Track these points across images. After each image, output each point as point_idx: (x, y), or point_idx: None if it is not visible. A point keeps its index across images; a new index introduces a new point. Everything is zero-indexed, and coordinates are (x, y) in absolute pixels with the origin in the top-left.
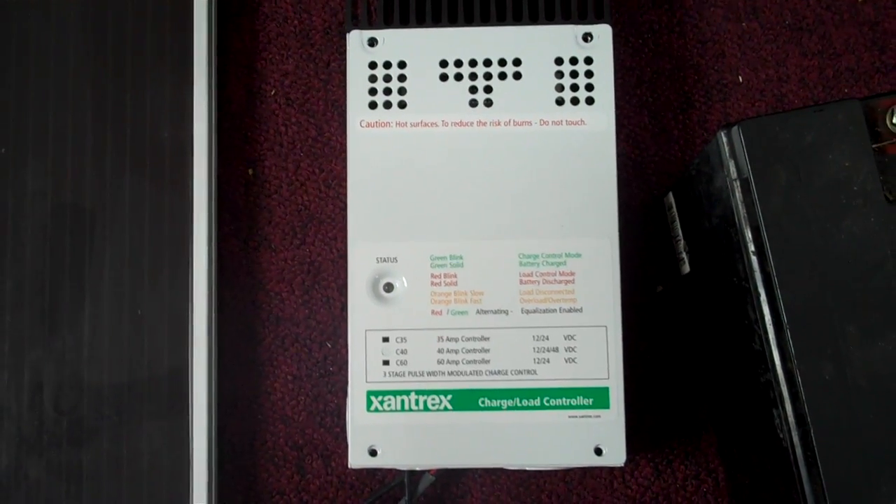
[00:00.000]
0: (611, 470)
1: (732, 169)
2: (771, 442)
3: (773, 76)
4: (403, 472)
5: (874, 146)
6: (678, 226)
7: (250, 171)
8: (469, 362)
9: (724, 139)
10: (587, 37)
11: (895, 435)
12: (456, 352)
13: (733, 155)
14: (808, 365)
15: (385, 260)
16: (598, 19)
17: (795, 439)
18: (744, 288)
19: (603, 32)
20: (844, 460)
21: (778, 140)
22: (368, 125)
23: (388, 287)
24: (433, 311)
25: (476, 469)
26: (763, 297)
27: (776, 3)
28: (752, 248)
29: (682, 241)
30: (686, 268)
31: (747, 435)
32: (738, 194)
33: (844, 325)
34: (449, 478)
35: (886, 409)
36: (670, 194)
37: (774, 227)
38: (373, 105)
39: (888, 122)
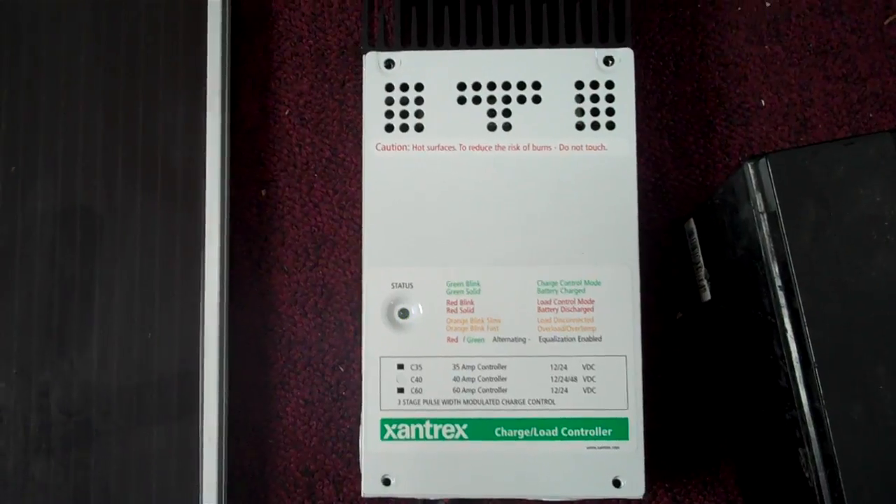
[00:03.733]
0: (628, 501)
1: (760, 202)
2: (796, 480)
3: (797, 100)
4: (417, 501)
5: None
6: (699, 253)
7: (263, 192)
8: (485, 391)
9: (752, 171)
10: (608, 60)
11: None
12: (472, 380)
13: (760, 188)
14: (836, 405)
15: (400, 286)
16: (619, 42)
17: (822, 480)
18: (770, 323)
19: (624, 56)
20: (873, 502)
21: (807, 173)
22: (384, 148)
23: (404, 313)
24: (449, 339)
25: (491, 499)
26: (790, 334)
27: (800, 27)
28: (779, 283)
29: (703, 269)
30: (707, 295)
31: (770, 470)
32: (766, 228)
33: (874, 364)
34: None
35: None
36: (691, 221)
37: (803, 262)
38: (389, 128)
39: None
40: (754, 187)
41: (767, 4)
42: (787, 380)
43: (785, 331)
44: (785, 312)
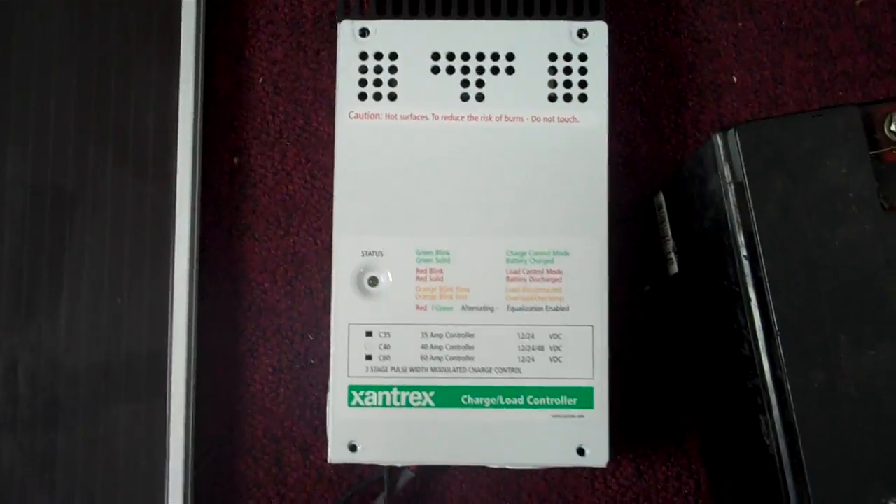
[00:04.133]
0: (592, 470)
1: (727, 172)
2: (757, 448)
3: (769, 77)
4: (383, 467)
5: (872, 153)
6: (668, 226)
7: (235, 160)
8: (453, 359)
9: (720, 142)
10: (582, 33)
11: (884, 445)
12: (440, 348)
13: (728, 158)
14: (797, 372)
15: (370, 254)
16: (593, 15)
17: (782, 446)
18: (734, 292)
19: (598, 29)
20: (832, 469)
21: (774, 144)
22: (357, 116)
23: (373, 281)
24: (418, 307)
25: (457, 466)
26: (754, 303)
27: (773, 4)
28: (744, 252)
29: (671, 242)
30: (675, 268)
31: (732, 439)
32: (733, 198)
33: (836, 333)
34: (429, 474)
35: (876, 418)
36: (660, 194)
37: (768, 232)
38: (362, 96)
39: (886, 129)
40: (722, 158)
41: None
42: (749, 348)
43: (749, 300)
44: (749, 281)
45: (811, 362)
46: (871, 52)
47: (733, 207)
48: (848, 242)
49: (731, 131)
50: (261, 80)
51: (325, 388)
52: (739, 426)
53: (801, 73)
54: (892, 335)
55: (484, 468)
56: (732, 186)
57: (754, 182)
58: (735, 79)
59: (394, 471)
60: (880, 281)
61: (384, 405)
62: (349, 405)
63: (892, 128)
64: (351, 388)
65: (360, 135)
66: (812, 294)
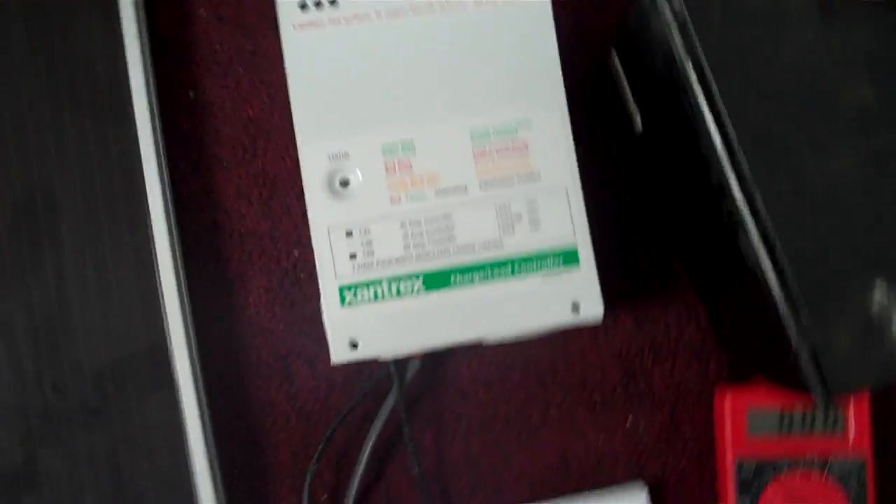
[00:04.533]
0: (593, 328)
1: (667, 11)
2: (741, 269)
3: None
4: (389, 363)
5: None
6: (626, 84)
7: (191, 94)
8: (435, 242)
9: None
10: None
11: (857, 235)
12: (421, 234)
13: None
14: (764, 183)
15: (337, 156)
16: None
17: (763, 257)
18: (694, 123)
19: None
20: (812, 267)
21: None
22: (301, 27)
23: (344, 182)
24: (392, 199)
25: (460, 348)
26: (713, 127)
27: None
28: (695, 80)
29: (631, 101)
30: (639, 126)
31: (718, 271)
32: (677, 35)
33: (795, 139)
34: (434, 362)
35: (846, 211)
36: (613, 53)
37: (715, 58)
38: (303, 6)
39: None
40: None
41: None
42: (717, 174)
43: (707, 128)
44: (705, 108)
45: (776, 171)
46: None
47: (679, 44)
48: (793, 51)
49: None
50: (203, 12)
51: (319, 298)
52: (722, 255)
53: None
54: (848, 132)
55: (488, 347)
56: (675, 24)
57: (694, 14)
58: None
59: (400, 364)
60: (829, 82)
61: (376, 299)
62: (343, 305)
63: None
64: (341, 288)
65: (306, 45)
66: (766, 108)
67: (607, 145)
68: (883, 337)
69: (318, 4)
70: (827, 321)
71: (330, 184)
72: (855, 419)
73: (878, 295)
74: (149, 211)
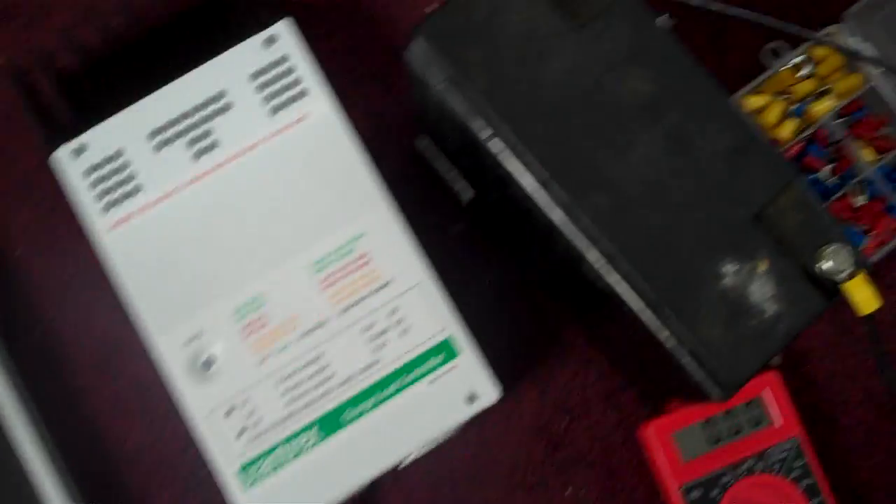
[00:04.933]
0: (501, 409)
1: (434, 76)
2: (604, 295)
3: None
4: None
5: None
6: (440, 161)
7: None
8: (316, 387)
9: (413, 54)
10: (271, 40)
11: (681, 216)
12: (299, 385)
13: (428, 63)
14: (584, 205)
15: (192, 339)
16: (274, 18)
17: (612, 278)
18: (504, 172)
19: (284, 28)
20: (659, 268)
21: (454, 28)
22: (114, 226)
23: (208, 362)
24: (260, 360)
25: (381, 479)
26: (518, 168)
27: None
28: (487, 131)
29: (450, 175)
30: (466, 197)
31: (593, 305)
32: (452, 94)
33: (595, 151)
34: (364, 499)
35: (665, 201)
36: (418, 138)
37: (494, 100)
38: (108, 206)
39: None
40: (423, 66)
41: None
42: (540, 214)
43: (514, 167)
44: (507, 154)
45: (589, 189)
46: None
47: (457, 102)
48: (562, 69)
49: (414, 40)
50: (18, 253)
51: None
52: (584, 288)
53: None
54: (639, 127)
55: (407, 468)
56: (446, 84)
57: (458, 69)
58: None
59: None
60: (604, 87)
61: (278, 468)
62: (247, 488)
63: None
64: (241, 469)
65: (125, 241)
66: (558, 131)
67: (447, 226)
68: (748, 312)
69: (123, 197)
70: (693, 319)
71: (194, 368)
72: (775, 404)
73: (727, 272)
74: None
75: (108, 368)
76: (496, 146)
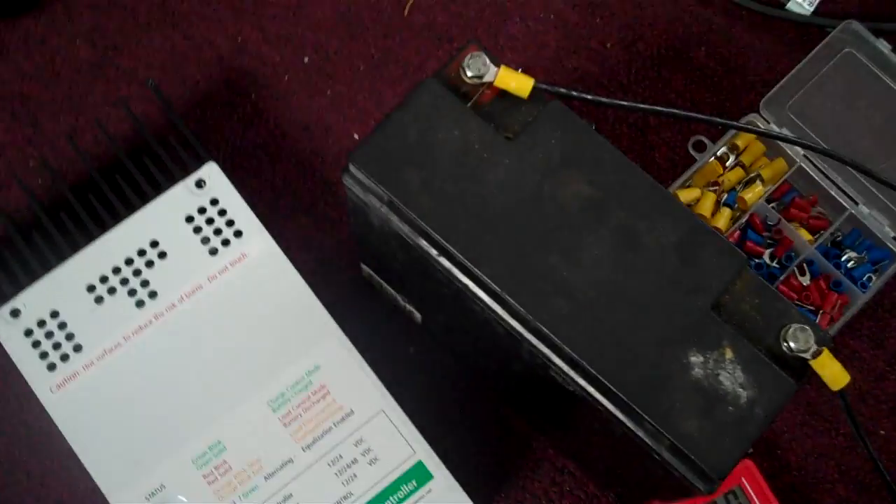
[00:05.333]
0: None
1: (374, 202)
2: (573, 401)
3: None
4: None
5: (468, 106)
6: (386, 285)
7: None
8: None
9: (350, 181)
10: (200, 183)
11: (634, 311)
12: None
13: (366, 190)
14: (542, 312)
15: (153, 493)
16: (199, 163)
17: (575, 378)
18: (456, 289)
19: (211, 171)
20: (627, 367)
21: (388, 152)
22: (59, 386)
23: None
24: None
25: None
26: (470, 286)
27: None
28: (433, 252)
29: (398, 297)
30: (418, 316)
31: (560, 415)
32: (394, 218)
33: (547, 259)
34: None
35: (622, 296)
36: (361, 265)
37: (437, 220)
38: (51, 367)
39: (465, 79)
40: (361, 194)
41: (305, 60)
42: (500, 325)
43: (466, 285)
44: (454, 271)
45: (546, 296)
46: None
47: (399, 224)
48: (500, 183)
49: (349, 167)
50: None
51: None
52: (551, 398)
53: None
54: (586, 227)
55: None
56: (386, 209)
57: (397, 192)
58: (356, 136)
59: None
60: (545, 194)
61: None
62: None
63: (469, 73)
64: None
65: (71, 400)
66: (504, 242)
67: (402, 348)
68: (723, 400)
69: (64, 358)
70: (668, 414)
71: None
72: (754, 493)
73: (694, 363)
74: None
75: None
76: (444, 265)
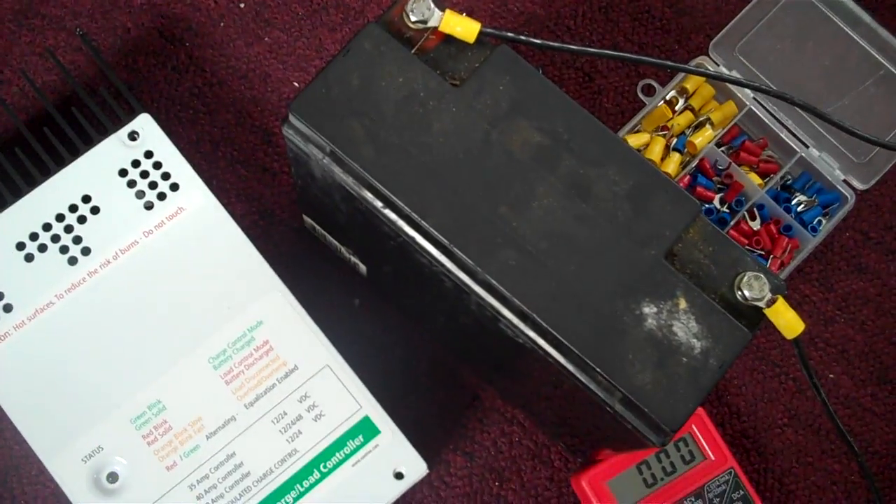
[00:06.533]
0: (430, 482)
1: (315, 152)
2: (523, 353)
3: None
4: None
5: (413, 52)
6: (331, 238)
7: None
8: (232, 486)
9: (290, 132)
10: (133, 135)
11: (592, 261)
12: (214, 486)
13: (307, 140)
14: (489, 263)
15: (90, 455)
16: (132, 114)
17: (527, 333)
18: (402, 242)
19: (144, 122)
20: (577, 318)
21: (330, 101)
22: None
23: (112, 476)
24: (168, 467)
25: None
26: (417, 238)
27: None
28: (378, 204)
29: (342, 249)
30: (363, 268)
31: (510, 367)
32: (336, 169)
33: (496, 210)
34: None
35: (574, 247)
36: (304, 217)
37: (381, 171)
38: None
39: (408, 23)
40: (302, 144)
41: (242, 5)
42: (449, 279)
43: (412, 238)
44: (400, 223)
45: (496, 248)
46: None
47: (342, 175)
48: (447, 131)
49: (289, 116)
50: None
51: None
52: (501, 349)
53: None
54: (536, 177)
55: None
56: (328, 159)
57: (339, 142)
58: (296, 83)
59: None
60: (492, 143)
61: None
62: None
63: (413, 18)
64: None
65: (1, 360)
66: (452, 193)
67: (347, 301)
68: (677, 351)
69: None
70: (621, 366)
71: (98, 486)
72: (705, 440)
73: (647, 314)
74: None
75: (6, 494)
76: (389, 217)
